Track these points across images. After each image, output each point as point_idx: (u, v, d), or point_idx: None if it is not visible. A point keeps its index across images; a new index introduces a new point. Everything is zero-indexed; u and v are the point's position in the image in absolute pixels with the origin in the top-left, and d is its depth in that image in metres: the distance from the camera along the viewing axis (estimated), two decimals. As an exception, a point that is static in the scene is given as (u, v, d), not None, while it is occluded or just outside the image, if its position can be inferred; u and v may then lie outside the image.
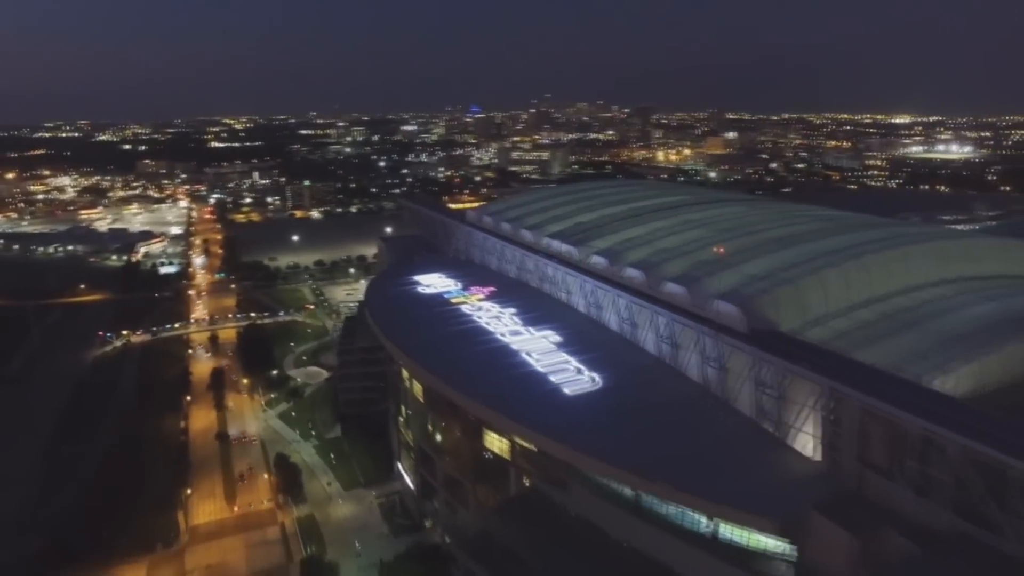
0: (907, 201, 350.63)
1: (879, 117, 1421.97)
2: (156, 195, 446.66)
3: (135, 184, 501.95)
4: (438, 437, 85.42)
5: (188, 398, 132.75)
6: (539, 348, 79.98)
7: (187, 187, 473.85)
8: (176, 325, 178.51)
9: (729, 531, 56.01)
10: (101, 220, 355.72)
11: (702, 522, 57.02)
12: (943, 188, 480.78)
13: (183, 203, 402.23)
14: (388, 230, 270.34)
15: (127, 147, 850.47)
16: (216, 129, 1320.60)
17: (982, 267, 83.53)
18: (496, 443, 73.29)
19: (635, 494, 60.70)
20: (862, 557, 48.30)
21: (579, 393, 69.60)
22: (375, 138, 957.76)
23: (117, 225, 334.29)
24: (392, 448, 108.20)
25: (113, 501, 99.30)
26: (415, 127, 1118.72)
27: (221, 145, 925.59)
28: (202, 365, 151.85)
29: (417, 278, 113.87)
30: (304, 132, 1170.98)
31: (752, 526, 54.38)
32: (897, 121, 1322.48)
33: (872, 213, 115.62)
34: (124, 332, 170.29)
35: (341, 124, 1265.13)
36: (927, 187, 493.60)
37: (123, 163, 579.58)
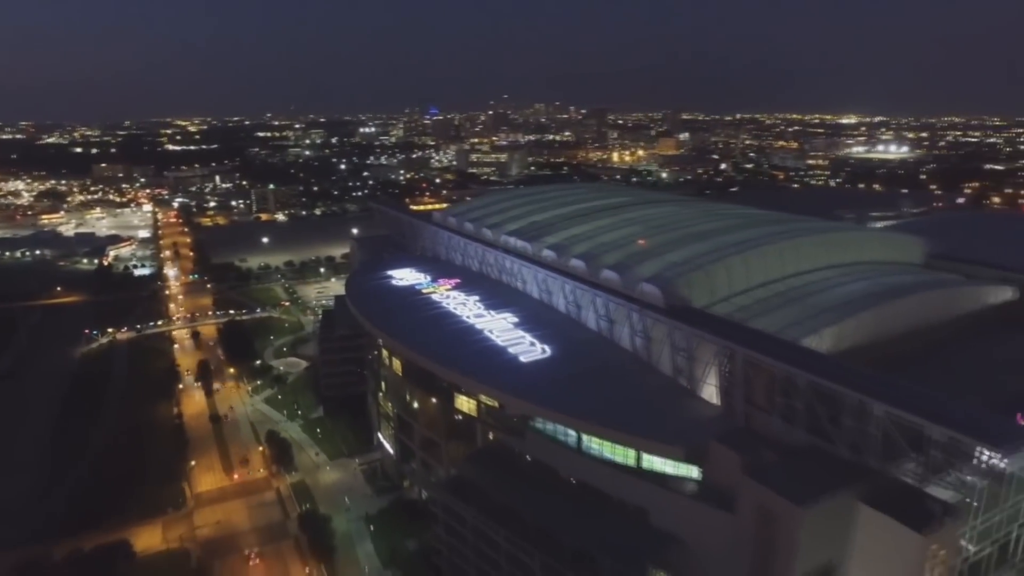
0: (842, 199, 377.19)
1: (827, 117, 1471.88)
2: (118, 199, 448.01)
3: (93, 188, 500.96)
4: (415, 405, 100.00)
5: (180, 386, 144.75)
6: (499, 327, 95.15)
7: (148, 191, 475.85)
8: (159, 322, 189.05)
9: (654, 462, 72.02)
10: (65, 224, 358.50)
11: (630, 455, 72.90)
12: (878, 187, 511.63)
13: (147, 207, 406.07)
14: (355, 231, 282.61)
15: (78, 150, 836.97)
16: (169, 131, 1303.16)
17: (864, 255, 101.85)
18: (465, 404, 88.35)
19: (578, 438, 76.30)
20: (763, 498, 64.40)
21: (533, 361, 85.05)
22: (333, 140, 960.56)
23: (82, 229, 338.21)
24: (371, 423, 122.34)
25: (122, 475, 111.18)
26: (373, 129, 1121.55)
27: (177, 148, 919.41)
28: (188, 358, 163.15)
29: (390, 273, 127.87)
30: (261, 134, 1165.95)
31: (667, 455, 70.48)
32: (844, 121, 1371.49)
33: (808, 211, 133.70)
34: (110, 330, 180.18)
35: (298, 126, 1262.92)
36: (863, 186, 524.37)
37: (76, 166, 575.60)
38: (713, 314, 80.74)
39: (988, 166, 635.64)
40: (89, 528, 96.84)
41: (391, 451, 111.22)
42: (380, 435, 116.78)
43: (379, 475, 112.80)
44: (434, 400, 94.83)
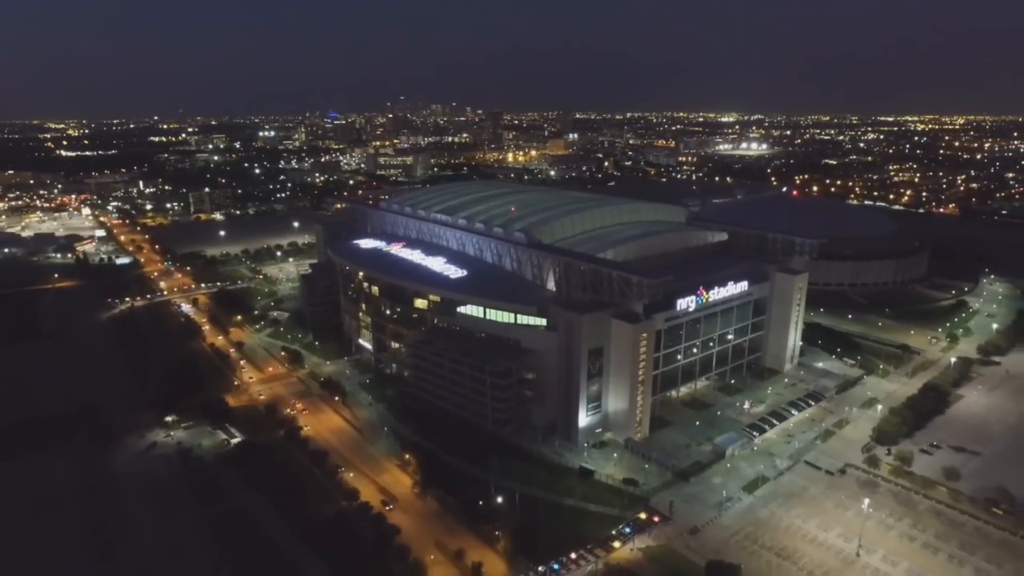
0: (691, 189, 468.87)
1: (710, 116, 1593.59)
2: (48, 205, 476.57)
3: (9, 196, 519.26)
4: (388, 312, 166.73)
5: (206, 328, 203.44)
6: (435, 264, 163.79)
7: (73, 197, 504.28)
8: (162, 294, 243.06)
9: (524, 319, 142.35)
10: (11, 228, 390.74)
11: (511, 316, 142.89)
12: (730, 179, 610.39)
13: (86, 211, 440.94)
14: (296, 224, 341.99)
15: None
16: (48, 135, 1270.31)
17: (644, 217, 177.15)
18: (421, 303, 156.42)
19: (484, 311, 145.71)
20: (567, 317, 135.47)
21: (457, 277, 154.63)
22: (237, 145, 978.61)
23: (27, 232, 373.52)
24: (350, 338, 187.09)
25: (189, 376, 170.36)
26: (274, 133, 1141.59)
27: (72, 154, 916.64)
28: (197, 314, 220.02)
29: (356, 242, 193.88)
30: (155, 139, 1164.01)
31: (530, 314, 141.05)
32: (724, 119, 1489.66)
33: (663, 197, 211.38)
34: (127, 299, 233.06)
35: (191, 129, 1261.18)
36: (718, 179, 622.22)
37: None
38: (553, 246, 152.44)
39: (824, 161, 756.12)
40: (186, 398, 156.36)
41: (370, 348, 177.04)
42: (360, 341, 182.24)
43: (361, 366, 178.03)
44: (401, 306, 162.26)
